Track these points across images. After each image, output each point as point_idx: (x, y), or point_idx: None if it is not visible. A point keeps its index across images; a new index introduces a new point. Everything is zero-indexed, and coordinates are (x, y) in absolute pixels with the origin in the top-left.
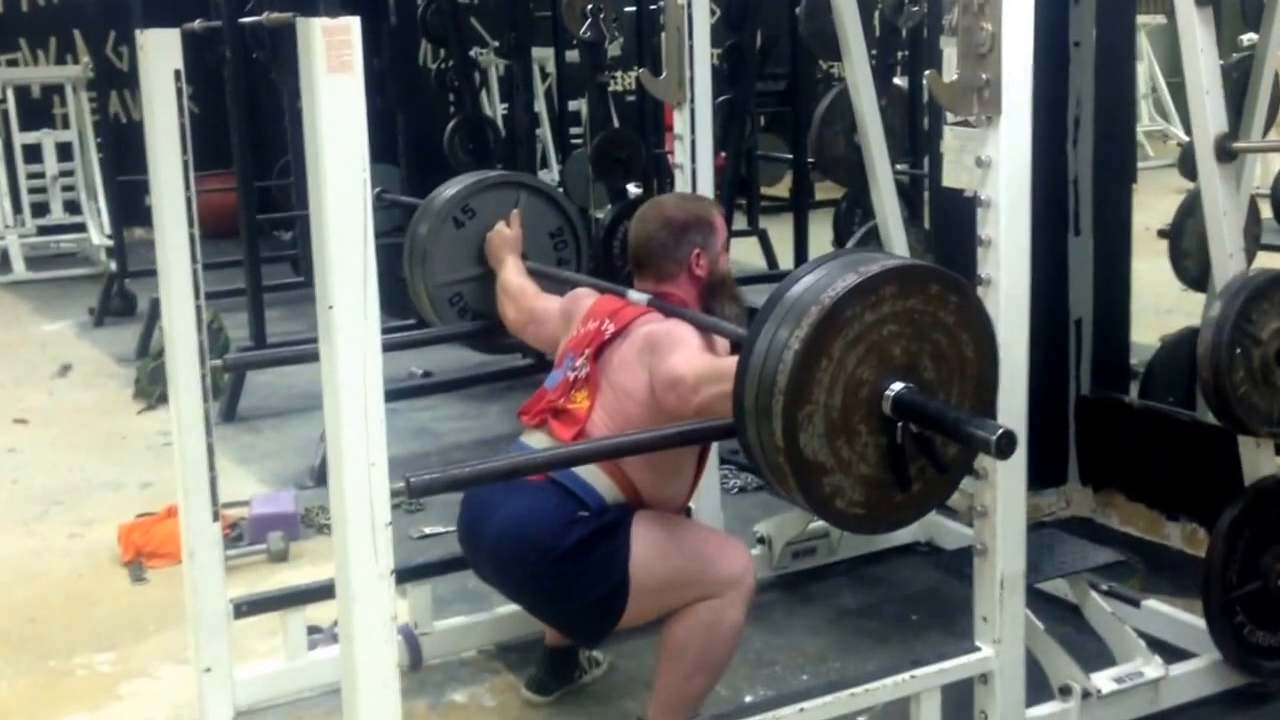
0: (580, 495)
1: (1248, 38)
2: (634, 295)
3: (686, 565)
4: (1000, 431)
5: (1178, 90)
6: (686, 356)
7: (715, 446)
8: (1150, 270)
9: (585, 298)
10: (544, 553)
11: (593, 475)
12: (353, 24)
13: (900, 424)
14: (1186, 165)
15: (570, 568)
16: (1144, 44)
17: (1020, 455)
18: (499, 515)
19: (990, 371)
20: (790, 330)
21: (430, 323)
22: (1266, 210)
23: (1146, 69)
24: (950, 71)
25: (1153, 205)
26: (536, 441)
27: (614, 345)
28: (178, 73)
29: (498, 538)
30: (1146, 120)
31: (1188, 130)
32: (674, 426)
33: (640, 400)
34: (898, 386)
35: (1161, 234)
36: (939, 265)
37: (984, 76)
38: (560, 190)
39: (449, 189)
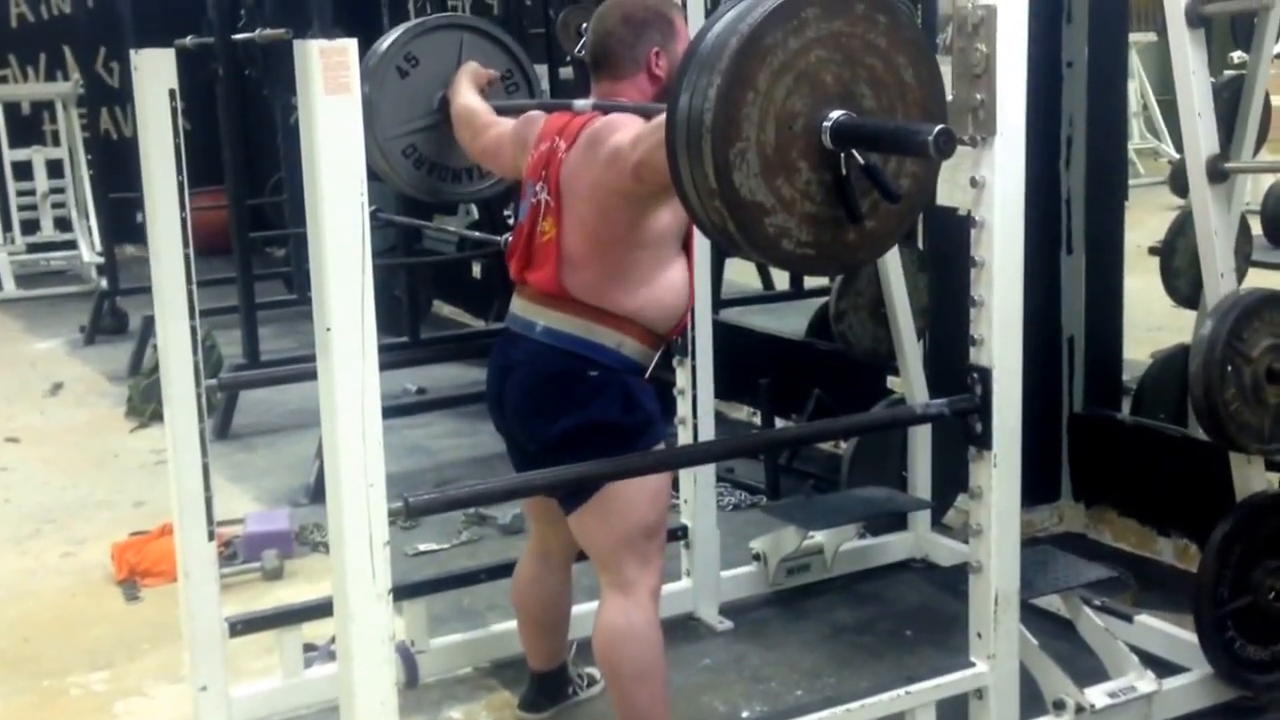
0: (584, 354)
1: (1237, 56)
2: (579, 104)
3: (640, 522)
4: (937, 130)
5: (1168, 108)
6: (626, 130)
7: (700, 400)
8: (1141, 287)
9: (536, 120)
10: (567, 401)
11: (586, 330)
12: (350, 45)
13: (844, 155)
14: (1177, 183)
15: (585, 420)
16: (1134, 62)
17: (1014, 474)
18: (513, 379)
19: (935, 96)
20: (712, 67)
21: (384, 177)
22: (1256, 227)
23: (1137, 87)
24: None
25: (1144, 222)
26: (524, 310)
27: (567, 160)
28: (173, 92)
29: (516, 396)
30: (1137, 138)
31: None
32: None
33: (591, 200)
34: (836, 114)
35: (1152, 251)
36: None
37: (979, 97)
38: (511, 39)
39: (388, 38)
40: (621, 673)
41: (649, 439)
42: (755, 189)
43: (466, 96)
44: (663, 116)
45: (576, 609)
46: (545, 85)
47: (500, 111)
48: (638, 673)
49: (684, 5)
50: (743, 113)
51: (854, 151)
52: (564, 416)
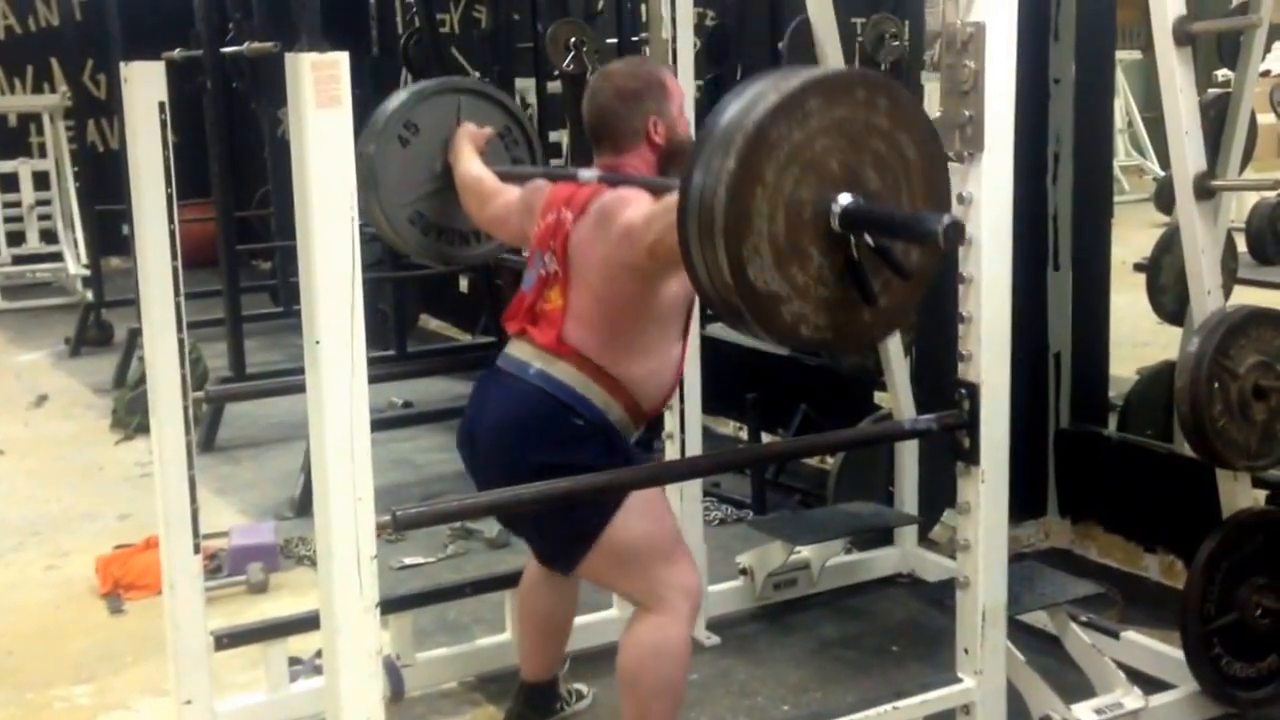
0: (570, 404)
1: (1222, 74)
2: (584, 174)
3: (651, 551)
4: (947, 221)
5: (1153, 125)
6: (636, 207)
7: (689, 415)
8: (1127, 304)
9: (542, 189)
10: (545, 439)
11: (579, 382)
12: (341, 59)
13: (853, 238)
14: (1162, 199)
15: (564, 460)
16: (1120, 79)
17: (1002, 490)
18: (496, 411)
19: (938, 168)
20: (720, 162)
21: (391, 245)
22: (1241, 244)
23: (1122, 103)
24: (933, 107)
25: (1129, 239)
26: (520, 351)
27: (575, 231)
28: (162, 104)
29: (496, 429)
30: (1122, 155)
31: (1163, 165)
32: None
33: (602, 274)
34: (844, 199)
35: (1138, 267)
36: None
37: (966, 113)
38: (507, 96)
39: (388, 104)
40: (643, 688)
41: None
42: (770, 280)
43: (470, 164)
44: (674, 197)
45: (576, 620)
46: (533, 99)
47: (504, 177)
48: (660, 690)
49: (672, 45)
50: (753, 207)
51: (863, 234)
52: (541, 452)
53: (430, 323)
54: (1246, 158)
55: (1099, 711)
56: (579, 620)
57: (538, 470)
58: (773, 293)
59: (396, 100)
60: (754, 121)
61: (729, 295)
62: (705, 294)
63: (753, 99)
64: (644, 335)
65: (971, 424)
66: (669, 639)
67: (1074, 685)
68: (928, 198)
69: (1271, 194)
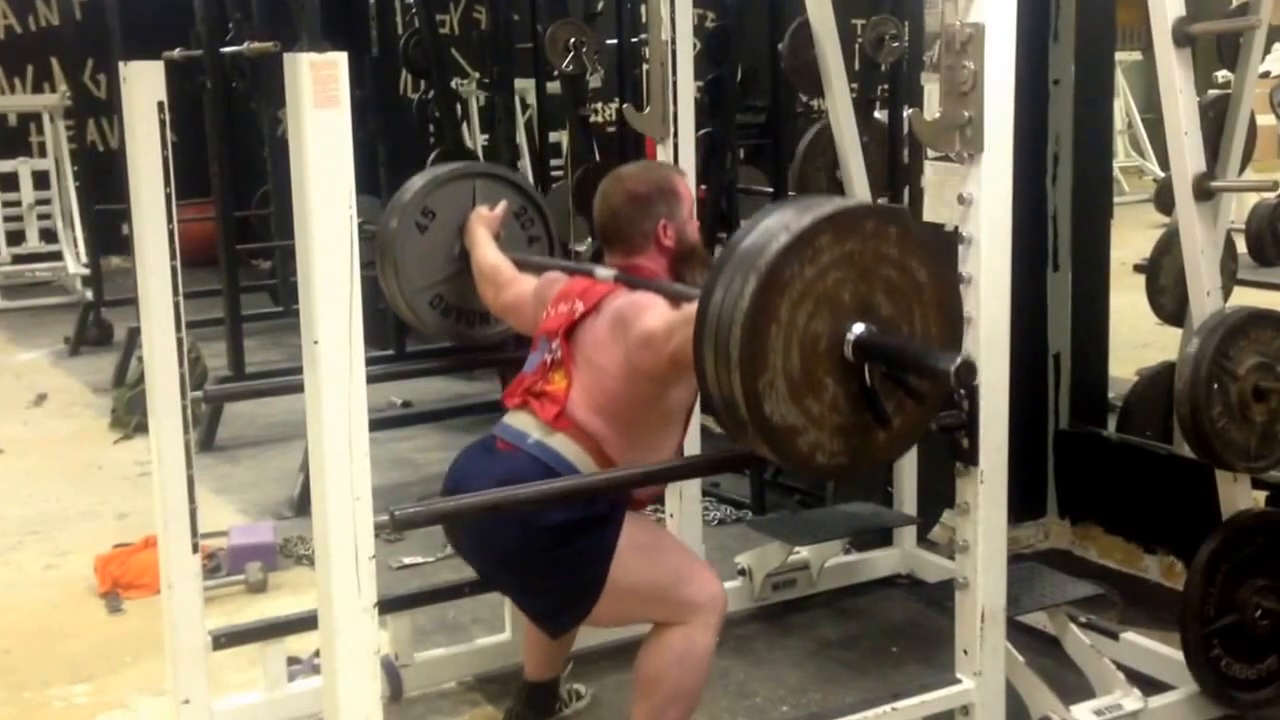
0: (563, 474)
1: (1221, 75)
2: (601, 272)
3: (664, 580)
4: (959, 361)
5: (1153, 126)
6: (656, 314)
7: (697, 419)
8: (1126, 305)
9: (557, 281)
10: (526, 526)
11: (576, 455)
12: (340, 59)
13: (866, 365)
14: (1162, 200)
15: (552, 547)
16: (1119, 80)
17: (1001, 491)
18: (481, 485)
19: (950, 291)
20: (734, 302)
21: (412, 327)
22: (1241, 245)
23: (1122, 105)
24: (932, 108)
25: (1128, 240)
26: (519, 422)
27: (585, 323)
28: (161, 104)
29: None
30: (1122, 156)
31: (1163, 166)
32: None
33: (617, 375)
34: (857, 329)
35: (1137, 269)
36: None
37: (966, 114)
38: (521, 178)
39: (407, 190)
40: (661, 693)
41: (612, 525)
42: (786, 414)
43: (486, 252)
44: (693, 307)
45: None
46: (532, 100)
47: (521, 266)
48: (678, 696)
49: (672, 46)
50: (768, 345)
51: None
52: (531, 519)
53: None
54: (1246, 159)
55: (1098, 713)
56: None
57: (521, 532)
58: (789, 425)
59: (414, 186)
60: (767, 262)
61: (746, 426)
62: (724, 423)
63: (768, 235)
64: (648, 431)
65: (971, 425)
66: (694, 647)
67: (1073, 686)
68: (940, 318)
69: (1271, 195)
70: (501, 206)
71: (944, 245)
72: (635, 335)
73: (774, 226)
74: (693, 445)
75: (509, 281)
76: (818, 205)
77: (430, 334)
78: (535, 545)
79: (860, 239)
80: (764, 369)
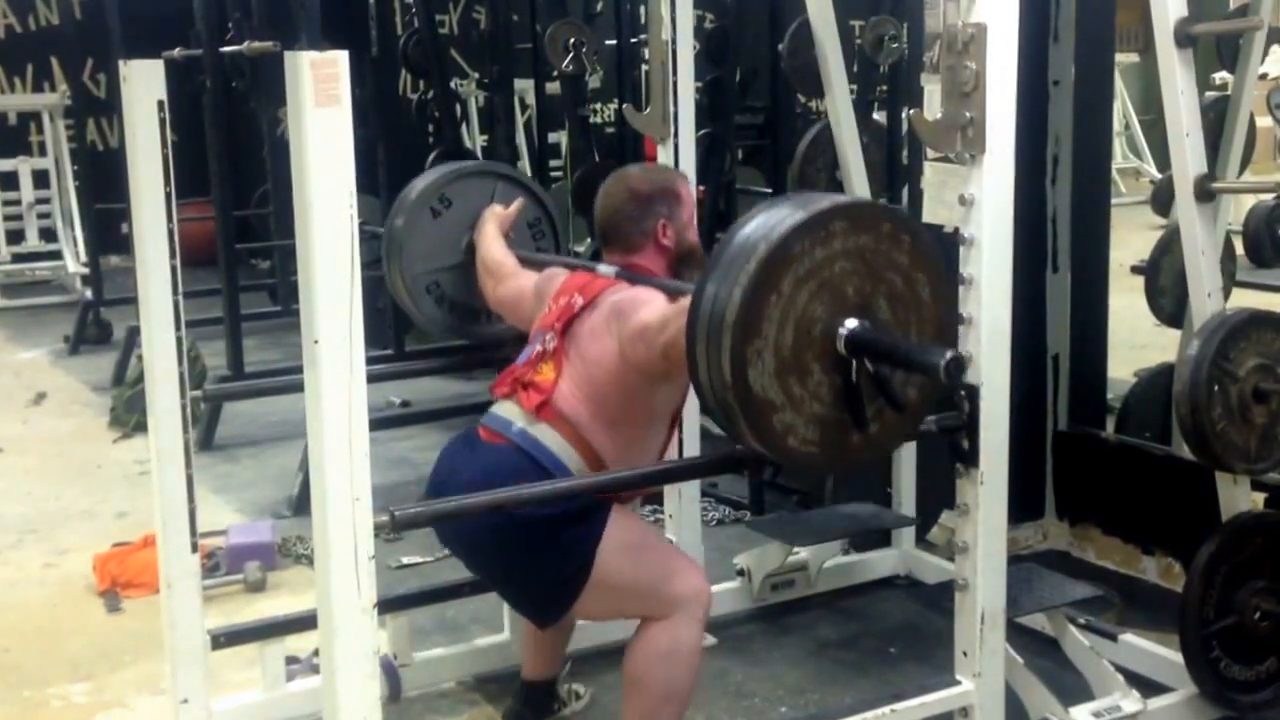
0: (548, 467)
1: (1219, 77)
2: (602, 268)
3: (648, 575)
4: (949, 356)
5: (1150, 127)
6: (652, 308)
7: (687, 414)
8: (1124, 306)
9: (557, 276)
10: (511, 518)
11: (559, 446)
12: (340, 58)
13: (855, 363)
14: (1159, 202)
15: (537, 539)
16: (1117, 81)
17: (1001, 492)
18: (467, 477)
19: (948, 316)
20: (740, 267)
21: (407, 313)
22: (1238, 247)
23: (1119, 106)
24: (933, 109)
25: (1126, 241)
26: (506, 411)
27: (582, 317)
28: (161, 103)
29: (468, 487)
30: (1119, 157)
31: (1160, 167)
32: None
33: (609, 368)
34: (852, 323)
35: (1135, 270)
36: None
37: (968, 114)
38: (540, 188)
39: (425, 179)
40: (652, 692)
41: (598, 519)
42: (768, 386)
43: (493, 244)
44: (688, 299)
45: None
46: (531, 100)
47: (524, 262)
48: (669, 694)
49: (672, 47)
50: (765, 313)
51: (865, 360)
52: (514, 509)
53: None
54: (1245, 161)
55: (1097, 714)
56: (579, 621)
57: (504, 524)
58: (768, 399)
59: (435, 173)
60: (780, 232)
61: (725, 393)
62: (701, 390)
63: (782, 214)
64: (633, 429)
65: (971, 426)
66: (680, 643)
67: (1072, 688)
68: (936, 337)
69: (1269, 197)
70: (516, 206)
71: (950, 271)
72: (630, 328)
73: (791, 208)
74: (692, 446)
75: (510, 275)
76: (839, 197)
77: (424, 325)
78: (519, 538)
79: (875, 237)
80: (756, 335)
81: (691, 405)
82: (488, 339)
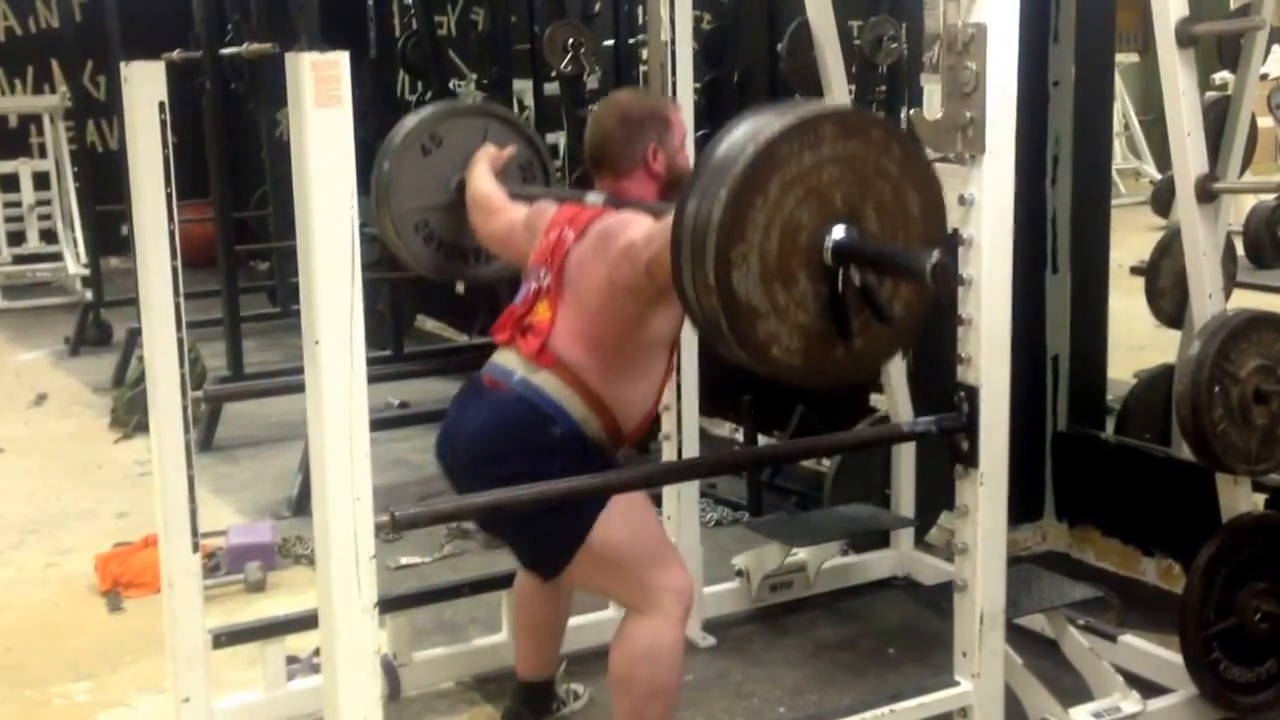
0: (550, 414)
1: (1220, 76)
2: (590, 197)
3: (638, 555)
4: (935, 258)
5: (1149, 128)
6: (637, 227)
7: (687, 415)
8: (1124, 307)
9: (547, 209)
10: (521, 447)
11: (560, 392)
12: (341, 59)
13: (841, 272)
14: (1159, 202)
15: (534, 470)
16: (1117, 82)
17: (1001, 493)
18: (474, 425)
19: (937, 233)
20: (725, 172)
21: (394, 249)
22: (1239, 248)
23: (1119, 107)
24: (933, 109)
25: (1125, 242)
26: (506, 360)
27: (573, 250)
28: (162, 105)
29: (475, 435)
30: (1119, 158)
31: (1160, 168)
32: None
33: (601, 296)
34: (839, 232)
35: (1135, 271)
36: None
37: (968, 115)
38: (534, 131)
39: (416, 116)
40: (637, 690)
41: (597, 499)
42: (752, 292)
43: (483, 179)
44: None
45: (571, 621)
46: (530, 100)
47: (514, 197)
48: (654, 692)
49: (670, 48)
50: (750, 216)
51: (852, 270)
52: (513, 463)
53: (427, 323)
54: (1246, 161)
55: (1096, 715)
56: (577, 621)
57: (509, 480)
58: (752, 305)
59: (427, 110)
60: (768, 135)
61: (709, 298)
62: (686, 299)
63: (769, 119)
64: (631, 360)
65: (971, 427)
66: (661, 641)
67: (1072, 689)
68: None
69: (1269, 198)
70: (510, 150)
71: (940, 190)
72: (616, 249)
73: (779, 111)
74: (690, 447)
75: (499, 209)
76: (824, 104)
77: (412, 263)
78: (526, 467)
79: (864, 143)
80: (740, 239)
81: (692, 406)
82: (477, 280)
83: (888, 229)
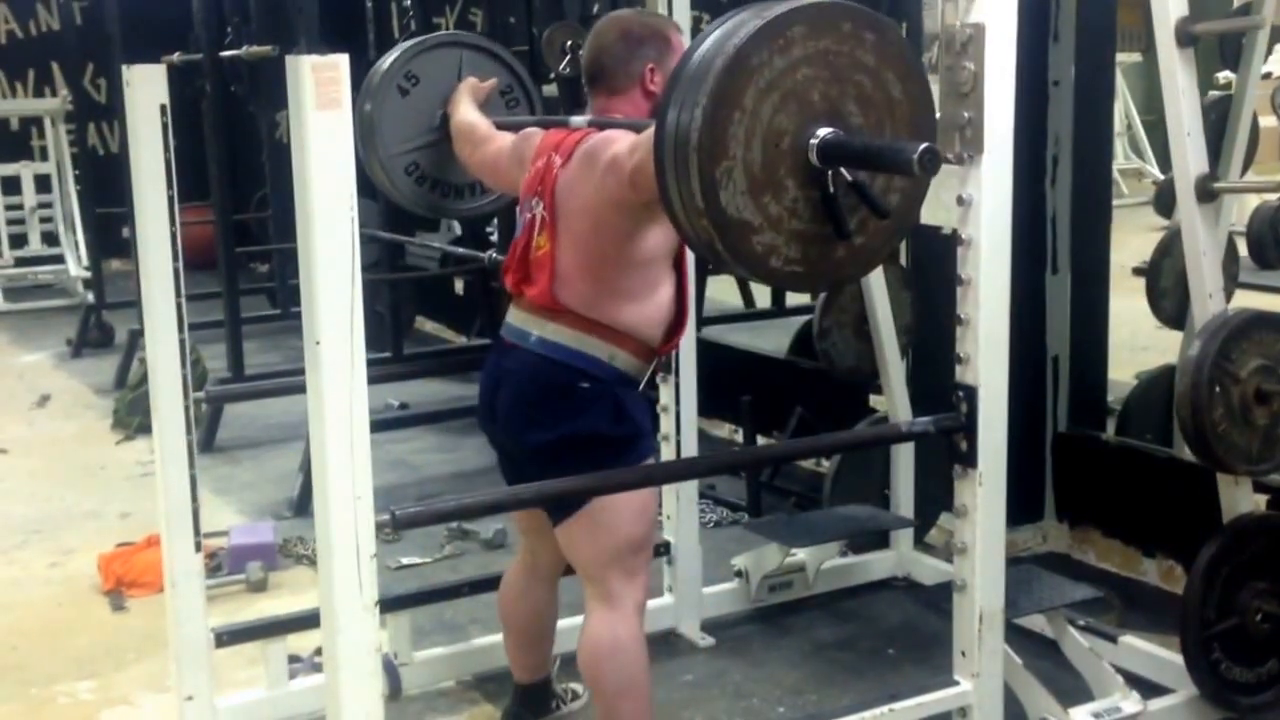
0: (577, 366)
1: (1222, 77)
2: (575, 120)
3: (628, 536)
4: (922, 148)
5: (1152, 128)
6: (621, 143)
7: (686, 415)
8: (1125, 308)
9: (534, 135)
10: (555, 412)
11: (578, 340)
12: (341, 61)
13: (830, 172)
14: (1161, 203)
15: (574, 430)
16: (1119, 81)
17: (1000, 493)
18: (505, 394)
19: (923, 111)
20: (698, 87)
21: (387, 194)
22: (1242, 248)
23: (1121, 106)
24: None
25: (1127, 243)
26: (518, 318)
27: (562, 175)
28: (164, 107)
29: (511, 409)
30: (1121, 158)
31: (1162, 168)
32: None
33: (589, 212)
34: (823, 132)
35: (1136, 271)
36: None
37: (966, 115)
38: (510, 55)
39: (387, 58)
40: (606, 687)
41: (638, 452)
42: (742, 207)
43: (466, 112)
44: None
45: (561, 623)
46: None
47: (500, 127)
48: (622, 688)
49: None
50: (729, 132)
51: (841, 168)
52: (554, 427)
53: (426, 325)
54: (1248, 161)
55: (1096, 716)
56: (572, 622)
57: (551, 449)
58: (744, 220)
59: (397, 50)
60: (735, 45)
61: (699, 219)
62: (678, 223)
63: (734, 26)
64: (629, 283)
65: (970, 427)
66: (620, 636)
67: (1072, 689)
68: (911, 139)
69: (1273, 197)
70: (491, 82)
71: (921, 67)
72: (601, 165)
73: (743, 17)
74: (689, 448)
75: (485, 138)
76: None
77: (406, 204)
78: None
79: (836, 38)
80: (723, 155)
81: (690, 407)
82: (472, 214)
83: (873, 119)
